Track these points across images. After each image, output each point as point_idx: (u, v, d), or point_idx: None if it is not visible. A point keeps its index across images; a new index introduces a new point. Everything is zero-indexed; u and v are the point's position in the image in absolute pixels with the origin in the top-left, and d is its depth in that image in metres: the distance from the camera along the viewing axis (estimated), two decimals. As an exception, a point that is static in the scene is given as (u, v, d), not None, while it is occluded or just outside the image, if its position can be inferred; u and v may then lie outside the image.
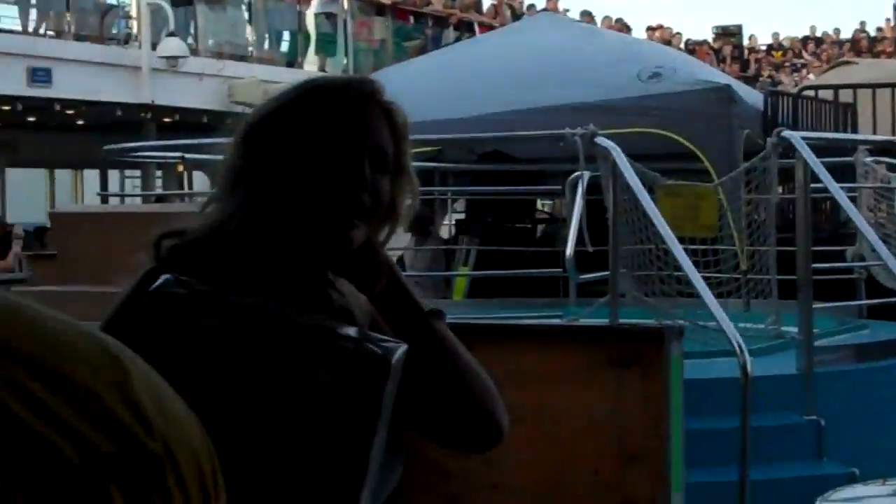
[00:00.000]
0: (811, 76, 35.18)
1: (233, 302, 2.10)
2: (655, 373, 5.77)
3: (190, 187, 12.94)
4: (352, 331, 2.13)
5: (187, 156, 11.79)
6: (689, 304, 8.26)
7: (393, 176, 2.38)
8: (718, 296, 8.20)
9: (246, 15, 22.82)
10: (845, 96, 13.76)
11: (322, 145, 2.32)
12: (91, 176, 25.65)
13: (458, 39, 26.50)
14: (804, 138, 8.20)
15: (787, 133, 8.38)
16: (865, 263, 9.83)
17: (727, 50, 38.15)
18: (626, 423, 5.78)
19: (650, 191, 8.01)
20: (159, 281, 2.08)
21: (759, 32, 40.99)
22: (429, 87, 12.94)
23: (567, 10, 31.28)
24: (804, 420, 7.59)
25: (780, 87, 32.23)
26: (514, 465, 5.81)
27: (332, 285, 2.48)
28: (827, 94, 13.72)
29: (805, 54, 39.54)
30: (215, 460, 1.29)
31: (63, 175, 25.93)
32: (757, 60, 39.12)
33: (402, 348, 2.11)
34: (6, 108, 19.61)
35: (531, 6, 30.45)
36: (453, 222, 15.12)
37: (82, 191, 25.30)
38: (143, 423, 1.17)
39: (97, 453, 1.05)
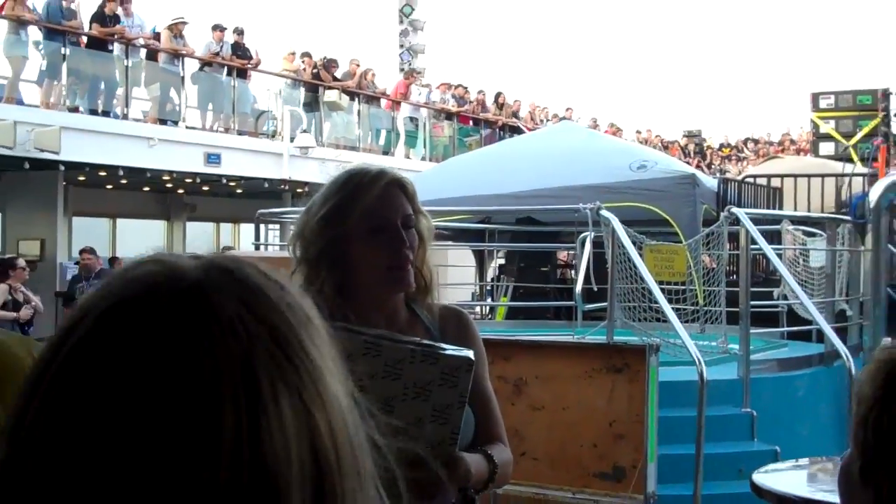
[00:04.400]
0: (750, 166, 35.00)
1: (360, 332, 2.14)
2: (639, 377, 5.78)
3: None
4: (443, 345, 2.20)
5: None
6: (662, 327, 8.25)
7: (416, 222, 2.42)
8: (683, 321, 8.19)
9: (356, 118, 22.92)
10: (775, 182, 13.72)
11: (373, 226, 2.37)
12: (245, 229, 25.85)
13: (502, 137, 26.62)
14: (747, 213, 8.20)
15: (734, 209, 8.39)
16: (788, 302, 9.76)
17: (691, 147, 38.05)
18: (616, 412, 5.79)
19: (639, 248, 8.02)
20: None
21: (714, 134, 40.84)
22: (484, 170, 13.01)
23: (579, 118, 31.31)
24: (741, 412, 7.56)
25: (728, 175, 32.10)
26: (537, 439, 5.82)
27: (413, 312, 2.52)
28: (762, 181, 13.68)
29: (746, 150, 39.35)
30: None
31: (225, 227, 26.14)
32: (711, 154, 38.97)
33: (472, 351, 2.21)
34: (189, 180, 19.78)
35: (555, 115, 30.47)
36: (497, 266, 15.14)
37: (239, 239, 25.49)
38: None
39: None
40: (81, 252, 14.99)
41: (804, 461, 5.45)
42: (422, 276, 2.45)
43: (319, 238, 2.38)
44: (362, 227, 2.36)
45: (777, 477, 4.63)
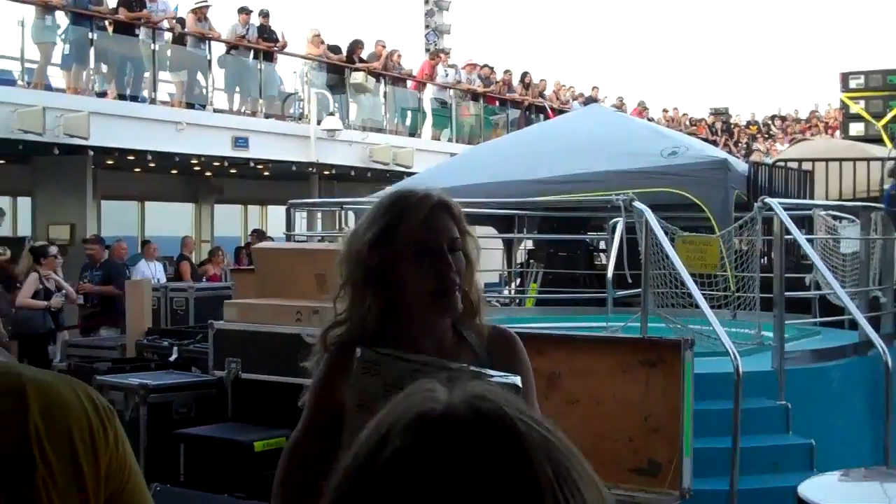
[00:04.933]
0: (777, 144, 34.77)
1: (409, 360, 2.14)
2: (673, 372, 5.76)
3: (341, 227, 13.04)
4: (490, 371, 2.17)
5: (345, 204, 11.88)
6: (692, 314, 8.20)
7: (462, 245, 2.39)
8: (714, 307, 8.14)
9: (382, 99, 22.88)
10: (806, 165, 13.60)
11: (419, 249, 2.35)
12: (272, 211, 25.94)
13: (529, 117, 26.51)
14: (781, 203, 8.13)
15: (768, 200, 8.30)
16: (822, 292, 9.66)
17: (718, 125, 37.84)
18: (651, 406, 5.77)
19: (671, 239, 7.96)
20: (359, 353, 2.16)
21: (741, 111, 40.60)
22: (514, 155, 12.92)
23: (605, 97, 31.09)
24: (776, 404, 7.51)
25: (756, 152, 31.89)
26: (572, 434, 5.78)
27: (460, 334, 2.50)
28: (792, 164, 13.56)
29: (773, 128, 39.12)
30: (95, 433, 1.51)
31: (253, 210, 26.24)
32: (739, 132, 38.72)
33: (518, 377, 2.17)
34: (217, 164, 19.80)
35: (580, 94, 30.30)
36: (526, 250, 15.08)
37: (267, 221, 25.59)
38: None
39: None
40: (85, 241, 14.93)
41: (850, 472, 5.35)
42: (469, 299, 2.43)
43: (366, 261, 2.38)
44: (408, 250, 2.36)
45: (823, 488, 4.55)
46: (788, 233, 8.05)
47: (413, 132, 23.64)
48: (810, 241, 9.35)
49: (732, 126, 39.05)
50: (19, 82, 16.31)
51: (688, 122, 35.60)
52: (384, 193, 2.52)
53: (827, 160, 13.38)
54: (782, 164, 13.42)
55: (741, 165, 12.81)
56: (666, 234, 7.98)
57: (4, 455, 1.39)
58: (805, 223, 10.37)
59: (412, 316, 2.41)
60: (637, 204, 7.82)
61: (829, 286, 8.96)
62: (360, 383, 2.12)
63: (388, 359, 2.12)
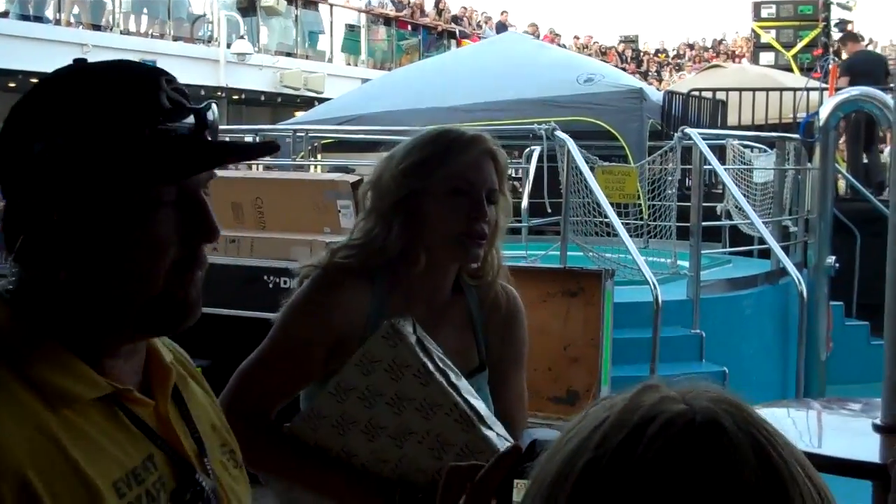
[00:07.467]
0: (685, 72, 34.98)
1: (432, 354, 2.03)
2: (594, 301, 5.78)
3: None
4: (490, 419, 2.01)
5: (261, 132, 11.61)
6: (608, 242, 8.25)
7: (497, 200, 2.26)
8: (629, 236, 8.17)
9: (293, 23, 22.50)
10: (719, 95, 13.70)
11: (457, 187, 2.20)
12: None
13: (442, 43, 26.28)
14: (700, 133, 8.17)
15: (688, 130, 8.32)
16: (735, 222, 9.77)
17: (628, 53, 37.95)
18: (571, 336, 5.79)
19: (591, 168, 7.94)
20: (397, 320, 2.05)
21: (650, 40, 40.81)
22: (430, 82, 12.80)
23: (513, 26, 30.91)
24: (691, 333, 7.58)
25: (664, 82, 32.10)
26: (492, 363, 5.81)
27: (458, 290, 2.34)
28: (706, 93, 13.64)
29: (684, 58, 39.42)
30: None
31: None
32: (648, 60, 38.90)
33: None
34: (122, 88, 19.37)
35: (489, 18, 30.09)
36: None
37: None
38: None
39: None
40: None
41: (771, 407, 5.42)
42: (486, 261, 2.29)
43: (397, 189, 2.21)
44: (445, 186, 2.20)
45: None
46: (706, 162, 8.09)
47: (324, 57, 23.31)
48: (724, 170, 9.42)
49: (642, 54, 39.22)
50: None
51: (598, 51, 35.65)
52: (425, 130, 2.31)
53: (741, 90, 13.47)
54: (696, 93, 13.49)
55: (655, 95, 12.86)
56: (587, 164, 7.96)
57: None
58: (717, 152, 10.45)
59: (421, 259, 2.24)
60: (559, 133, 7.77)
61: (741, 216, 9.07)
62: (373, 344, 1.98)
63: (407, 344, 1.97)
